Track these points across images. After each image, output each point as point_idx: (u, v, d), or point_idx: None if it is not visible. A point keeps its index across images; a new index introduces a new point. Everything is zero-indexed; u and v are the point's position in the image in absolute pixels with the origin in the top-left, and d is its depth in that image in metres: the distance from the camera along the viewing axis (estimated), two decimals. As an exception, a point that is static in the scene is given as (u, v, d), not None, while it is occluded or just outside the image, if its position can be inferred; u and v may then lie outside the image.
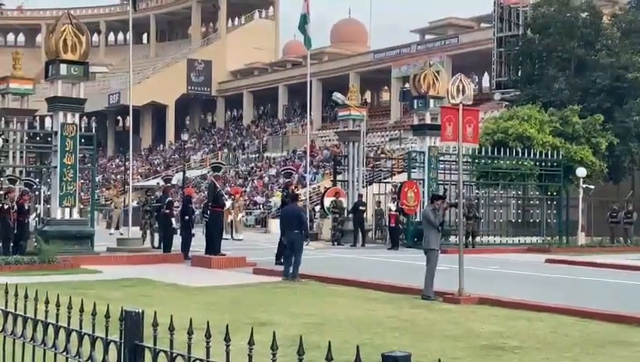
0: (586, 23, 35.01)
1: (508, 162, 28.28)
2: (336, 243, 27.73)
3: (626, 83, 32.01)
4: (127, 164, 46.51)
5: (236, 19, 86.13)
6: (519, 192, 29.46)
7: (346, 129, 31.60)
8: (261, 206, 46.51)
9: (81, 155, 20.63)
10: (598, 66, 33.12)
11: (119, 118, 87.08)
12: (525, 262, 21.48)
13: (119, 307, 3.58)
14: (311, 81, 39.01)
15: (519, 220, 29.18)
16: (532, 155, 28.44)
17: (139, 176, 63.00)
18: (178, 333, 3.43)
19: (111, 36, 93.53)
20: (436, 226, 12.46)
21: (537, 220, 28.90)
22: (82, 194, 33.94)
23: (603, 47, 34.06)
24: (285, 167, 28.56)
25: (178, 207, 23.58)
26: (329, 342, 2.92)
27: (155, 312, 3.47)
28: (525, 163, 28.37)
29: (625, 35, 34.63)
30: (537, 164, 28.56)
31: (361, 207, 28.02)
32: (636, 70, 31.38)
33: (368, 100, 73.21)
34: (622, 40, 34.27)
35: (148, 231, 24.16)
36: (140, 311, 3.45)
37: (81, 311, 3.76)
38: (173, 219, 20.89)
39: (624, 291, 14.73)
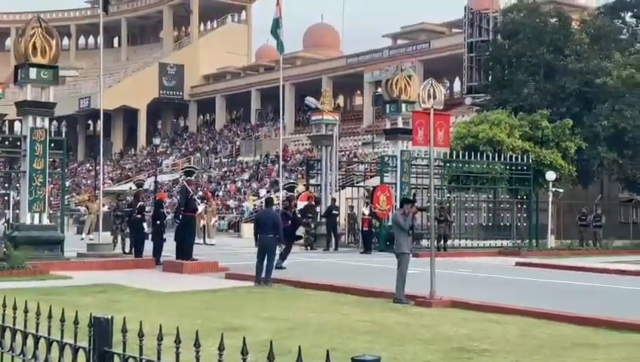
0: (555, 28, 35.42)
1: (479, 166, 28.52)
2: (309, 247, 27.73)
3: (594, 88, 32.42)
4: (97, 168, 46.15)
5: (208, 23, 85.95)
6: (490, 196, 29.71)
7: (318, 133, 31.65)
8: (234, 210, 46.41)
9: (51, 160, 20.42)
10: (567, 71, 33.51)
11: (90, 122, 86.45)
12: (496, 265, 21.65)
13: (89, 313, 3.57)
14: (284, 86, 39.04)
15: (490, 223, 29.43)
16: (502, 159, 28.70)
17: (110, 181, 62.54)
18: (148, 339, 3.43)
19: (82, 40, 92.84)
20: (406, 230, 12.53)
21: (508, 223, 29.16)
22: (52, 199, 33.59)
23: (572, 53, 34.48)
24: (289, 182, 28.53)
25: (150, 212, 23.43)
26: (299, 347, 2.94)
27: (125, 318, 3.47)
28: (496, 167, 28.60)
29: (593, 41, 35.08)
30: (507, 167, 28.81)
31: (334, 211, 28.07)
32: (604, 75, 31.77)
33: (341, 105, 73.39)
34: (590, 45, 34.70)
35: (119, 237, 23.98)
36: (109, 317, 3.45)
37: (50, 317, 3.74)
38: (144, 224, 20.76)
39: (593, 294, 14.90)
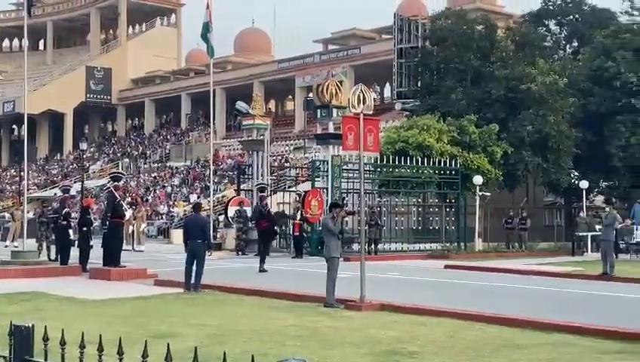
0: (481, 35, 36.08)
1: (408, 170, 28.86)
2: (240, 252, 27.60)
3: (519, 94, 33.12)
4: (22, 174, 45.00)
5: (137, 26, 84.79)
6: (419, 200, 30.07)
7: (250, 138, 31.54)
8: (164, 216, 45.84)
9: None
10: (493, 78, 34.17)
11: (14, 126, 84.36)
12: (425, 268, 21.93)
13: (11, 322, 3.48)
14: (214, 90, 38.73)
15: (420, 227, 29.78)
16: (431, 164, 29.11)
17: (35, 187, 61.05)
18: (71, 347, 3.36)
19: (6, 42, 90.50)
20: (336, 234, 12.59)
21: (437, 227, 29.57)
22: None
23: (498, 60, 35.18)
24: (260, 183, 28.40)
25: (76, 218, 22.97)
26: (224, 353, 2.92)
27: (46, 326, 3.39)
28: (425, 171, 28.98)
29: (518, 48, 35.86)
30: (436, 172, 29.22)
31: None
32: (529, 81, 32.50)
33: (273, 109, 73.34)
34: (515, 52, 35.47)
35: (44, 244, 23.43)
36: (31, 325, 3.37)
37: (-32, 326, 3.63)
38: (70, 231, 20.32)
39: (519, 295, 15.22)
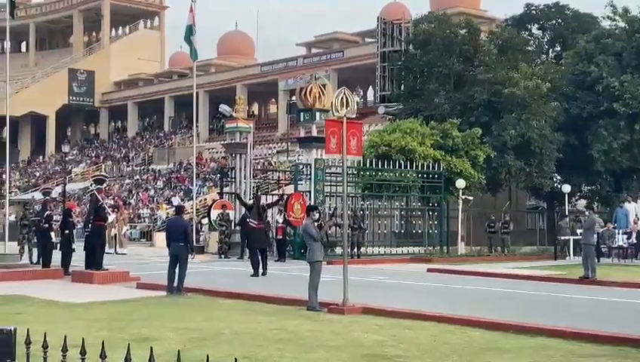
0: (464, 39, 36.20)
1: (391, 174, 28.89)
2: (223, 256, 27.55)
3: (502, 98, 33.24)
4: (3, 176, 44.68)
5: (120, 28, 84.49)
6: (402, 203, 30.12)
7: (233, 141, 31.50)
8: (146, 219, 45.66)
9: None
10: (476, 82, 34.29)
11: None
12: (408, 271, 21.96)
13: (-10, 325, 3.45)
14: (197, 93, 38.69)
15: (402, 231, 29.84)
16: (414, 167, 29.17)
17: (17, 190, 60.64)
18: (53, 351, 3.34)
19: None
20: (318, 239, 12.59)
21: (420, 231, 29.63)
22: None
23: (481, 64, 35.31)
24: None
25: (58, 221, 22.86)
26: (207, 356, 2.92)
27: (28, 330, 3.37)
28: (408, 175, 29.04)
29: (501, 52, 36.00)
30: (419, 176, 29.28)
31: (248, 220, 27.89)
32: (512, 85, 32.63)
33: (256, 112, 73.27)
34: (498, 56, 35.61)
35: (26, 246, 23.30)
36: (12, 328, 3.34)
37: (-52, 330, 3.59)
38: (52, 234, 20.22)
39: (501, 298, 15.28)
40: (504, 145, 32.63)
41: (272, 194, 32.76)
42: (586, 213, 20.87)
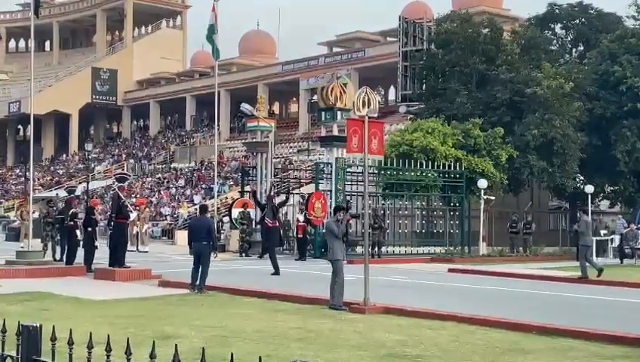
0: (487, 39, 36.08)
1: (412, 174, 28.84)
2: (244, 254, 27.62)
3: (524, 97, 33.10)
4: (27, 174, 45.11)
5: (143, 28, 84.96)
6: (423, 203, 30.06)
7: (254, 140, 31.58)
8: (167, 217, 45.90)
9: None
10: (499, 81, 34.15)
11: (20, 126, 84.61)
12: (429, 271, 21.91)
13: (17, 322, 3.49)
14: (219, 92, 38.83)
15: (423, 230, 29.78)
16: (436, 167, 29.09)
17: (40, 187, 61.18)
18: (78, 347, 3.37)
19: (12, 43, 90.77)
20: (339, 237, 12.59)
21: (441, 230, 29.54)
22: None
23: (503, 63, 35.16)
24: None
25: (82, 219, 23.04)
26: (231, 354, 2.93)
27: (54, 326, 3.40)
28: (429, 174, 28.97)
29: (524, 51, 35.85)
30: (441, 175, 29.20)
31: (268, 218, 27.97)
32: (534, 85, 32.47)
33: (277, 111, 73.41)
34: (521, 56, 35.46)
35: (49, 244, 23.49)
36: (38, 325, 3.38)
37: (-24, 326, 3.64)
38: (78, 231, 20.37)
39: (523, 299, 15.21)
40: (526, 145, 32.47)
41: (293, 193, 32.82)
42: (579, 216, 20.85)
